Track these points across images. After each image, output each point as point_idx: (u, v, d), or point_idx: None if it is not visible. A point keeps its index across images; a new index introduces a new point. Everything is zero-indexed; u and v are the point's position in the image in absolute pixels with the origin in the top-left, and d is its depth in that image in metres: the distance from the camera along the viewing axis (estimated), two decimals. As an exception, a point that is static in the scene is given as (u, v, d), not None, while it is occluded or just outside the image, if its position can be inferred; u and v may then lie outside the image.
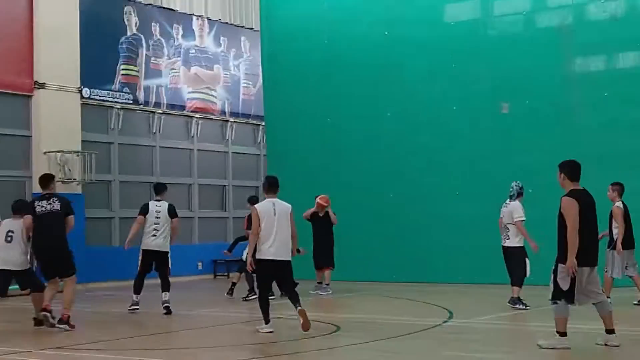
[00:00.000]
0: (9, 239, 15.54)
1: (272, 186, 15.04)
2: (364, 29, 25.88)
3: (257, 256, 14.28)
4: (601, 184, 19.94)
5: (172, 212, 18.07)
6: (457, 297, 20.25)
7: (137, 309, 17.77)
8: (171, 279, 19.20)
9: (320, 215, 21.82)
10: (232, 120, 31.20)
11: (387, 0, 25.72)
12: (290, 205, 14.93)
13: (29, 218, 15.35)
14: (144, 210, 18.19)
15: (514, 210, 17.35)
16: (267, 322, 14.15)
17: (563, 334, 11.46)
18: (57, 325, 14.86)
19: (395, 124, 25.25)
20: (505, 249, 17.72)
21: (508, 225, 17.55)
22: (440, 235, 24.02)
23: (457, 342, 13.02)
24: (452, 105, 24.29)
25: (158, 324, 17.03)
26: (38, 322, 15.43)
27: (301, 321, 13.74)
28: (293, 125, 27.16)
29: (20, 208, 16.06)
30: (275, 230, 14.22)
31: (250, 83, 31.96)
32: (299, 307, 14.03)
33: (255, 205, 14.96)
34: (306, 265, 21.86)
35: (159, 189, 18.91)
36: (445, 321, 15.55)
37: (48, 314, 14.99)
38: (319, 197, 21.88)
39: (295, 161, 26.72)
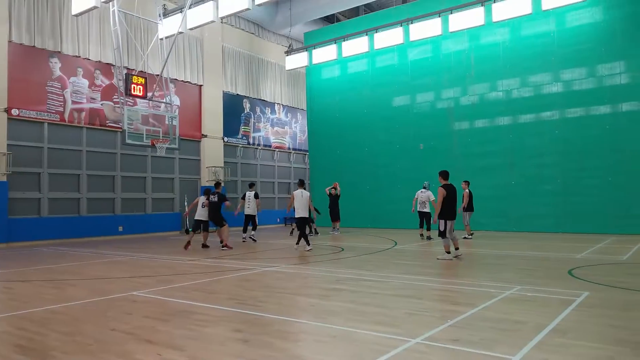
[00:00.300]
0: (203, 206, 15.85)
1: (300, 184, 15.23)
2: (354, 109, 25.89)
3: (296, 215, 14.69)
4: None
5: (256, 196, 17.92)
6: (399, 235, 19.96)
7: (245, 240, 18.07)
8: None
9: (332, 193, 21.31)
10: (293, 152, 31.41)
11: (366, 96, 25.48)
12: (308, 193, 15.18)
13: (206, 201, 15.77)
14: (243, 196, 18.12)
15: (429, 195, 17.19)
16: (307, 243, 14.45)
17: (448, 252, 12.11)
18: (221, 248, 15.36)
19: (369, 153, 25.32)
20: (425, 213, 17.54)
21: (426, 202, 17.34)
22: (394, 204, 24.17)
23: (400, 256, 13.10)
24: (396, 145, 24.34)
25: (250, 246, 17.61)
26: (204, 245, 15.88)
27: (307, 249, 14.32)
28: (320, 154, 27.43)
29: (205, 192, 16.10)
30: (300, 204, 14.63)
31: (302, 134, 31.96)
32: (308, 246, 14.46)
33: (293, 192, 14.89)
34: (327, 220, 22.68)
35: (251, 185, 18.65)
36: (393, 246, 15.60)
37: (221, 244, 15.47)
38: (334, 184, 21.62)
39: (321, 171, 27.09)
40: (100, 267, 11.79)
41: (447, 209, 12.00)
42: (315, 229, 20.70)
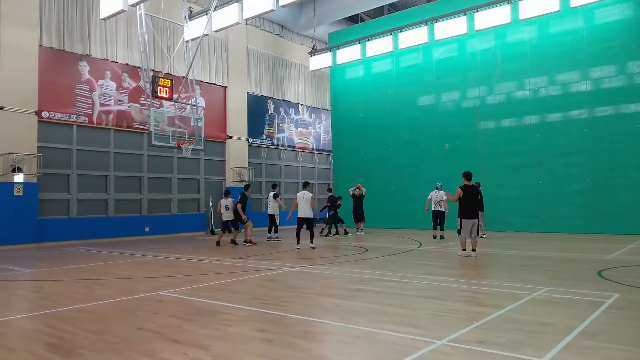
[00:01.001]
0: (226, 209, 17.05)
1: (304, 185, 15.62)
2: (379, 109, 25.92)
3: (298, 215, 15.27)
4: (492, 182, 20.80)
5: (275, 196, 18.69)
6: (423, 236, 19.89)
7: (269, 238, 18.84)
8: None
9: (356, 194, 21.30)
10: (317, 152, 31.58)
11: (390, 96, 25.50)
12: (311, 194, 15.18)
13: (234, 202, 16.97)
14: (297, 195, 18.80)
15: (443, 194, 17.57)
16: (298, 242, 15.55)
17: (464, 249, 12.69)
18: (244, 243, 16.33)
19: (393, 153, 25.30)
20: (439, 212, 17.90)
21: (441, 201, 17.74)
22: (418, 205, 23.72)
23: (424, 257, 13.21)
24: (420, 145, 24.26)
25: (275, 245, 17.93)
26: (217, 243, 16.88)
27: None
28: (345, 154, 27.46)
29: (225, 193, 17.48)
30: (304, 204, 15.09)
31: (326, 135, 32.12)
32: (311, 243, 15.15)
33: (297, 194, 15.33)
34: (350, 220, 22.42)
35: (274, 185, 19.59)
36: (418, 247, 15.59)
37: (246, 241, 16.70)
38: (356, 185, 21.64)
39: (346, 171, 27.10)
40: (127, 267, 11.97)
41: (464, 209, 12.31)
42: (345, 230, 21.17)
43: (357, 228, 21.55)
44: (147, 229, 21.70)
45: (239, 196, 17.30)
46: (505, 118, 22.35)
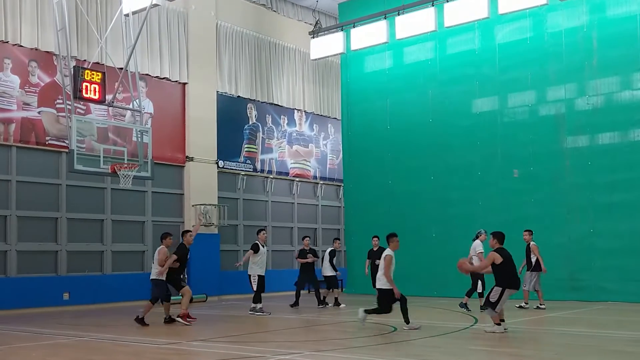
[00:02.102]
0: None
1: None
2: (414, 118, 26.35)
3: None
4: (583, 228, 21.05)
5: (255, 247, 18.99)
6: (478, 307, 18.80)
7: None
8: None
9: (375, 249, 21.25)
10: (321, 182, 31.81)
11: (431, 97, 25.95)
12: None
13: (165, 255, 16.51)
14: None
15: (476, 245, 18.69)
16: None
17: (499, 324, 13.70)
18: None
19: (436, 184, 25.66)
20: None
21: (473, 256, 18.42)
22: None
23: (482, 338, 13.36)
24: (477, 172, 24.66)
25: (258, 321, 18.45)
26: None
27: None
28: (363, 186, 27.81)
29: (163, 237, 16.97)
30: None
31: (334, 156, 32.51)
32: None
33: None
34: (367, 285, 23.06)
35: (259, 231, 19.95)
36: (472, 324, 15.65)
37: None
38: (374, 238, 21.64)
39: (364, 211, 27.43)
40: (36, 355, 11.94)
41: (508, 275, 13.90)
42: (324, 298, 21.77)
43: None
44: (66, 295, 21.71)
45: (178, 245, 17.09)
46: (604, 132, 22.59)
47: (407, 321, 14.72)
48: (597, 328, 14.69)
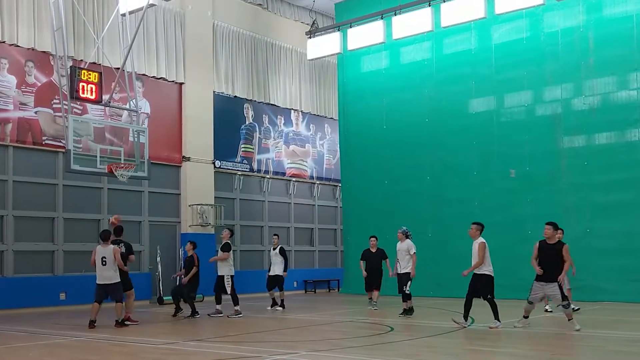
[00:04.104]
0: (103, 263, 15.71)
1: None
2: (411, 118, 26.35)
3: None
4: (580, 228, 21.07)
5: (226, 247, 18.53)
6: (475, 308, 20.37)
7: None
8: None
9: (372, 250, 20.58)
10: (317, 182, 31.88)
11: (427, 97, 25.96)
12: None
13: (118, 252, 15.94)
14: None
15: (410, 246, 17.90)
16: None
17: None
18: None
19: (432, 184, 25.71)
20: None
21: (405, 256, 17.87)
22: (463, 263, 24.34)
23: (478, 339, 13.25)
24: (473, 171, 24.66)
25: (255, 322, 18.31)
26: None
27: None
28: (361, 186, 27.83)
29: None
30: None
31: (331, 156, 32.59)
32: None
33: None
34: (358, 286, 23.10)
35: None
36: (469, 325, 15.36)
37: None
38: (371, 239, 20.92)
39: (361, 211, 27.45)
40: (32, 355, 11.97)
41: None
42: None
43: (371, 299, 20.72)
44: (62, 295, 21.73)
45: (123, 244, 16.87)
46: (600, 132, 22.66)
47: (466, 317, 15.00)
48: (594, 328, 14.69)
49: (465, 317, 14.95)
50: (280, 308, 20.29)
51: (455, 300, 22.39)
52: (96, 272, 15.91)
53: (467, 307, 14.99)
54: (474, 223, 15.14)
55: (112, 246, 15.95)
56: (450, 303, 21.74)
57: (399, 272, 17.98)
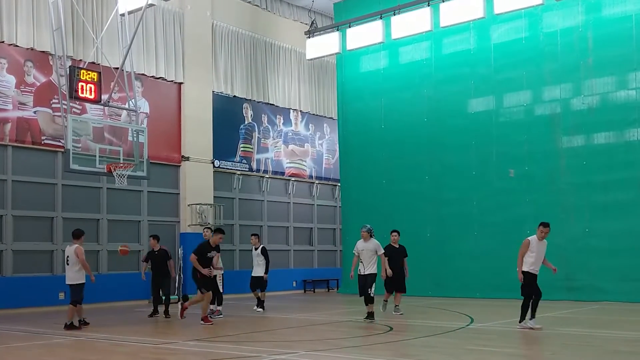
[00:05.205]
0: (67, 262, 15.45)
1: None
2: (410, 117, 26.39)
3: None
4: (579, 228, 21.09)
5: (218, 249, 17.79)
6: (473, 307, 19.90)
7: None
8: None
9: (394, 245, 18.63)
10: (317, 182, 31.85)
11: (426, 97, 25.99)
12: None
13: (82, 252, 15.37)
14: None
15: (377, 246, 16.57)
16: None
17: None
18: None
19: (431, 184, 25.73)
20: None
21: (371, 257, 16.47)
22: (462, 263, 24.34)
23: (478, 339, 13.20)
24: (472, 171, 24.69)
25: (255, 321, 18.30)
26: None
27: None
28: (359, 185, 27.87)
29: (75, 234, 15.88)
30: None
31: (330, 156, 32.56)
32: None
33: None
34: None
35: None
36: (468, 324, 15.56)
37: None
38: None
39: (360, 211, 27.33)
40: (32, 355, 11.99)
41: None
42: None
43: (386, 301, 19.09)
44: (62, 295, 21.67)
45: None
46: (599, 132, 22.69)
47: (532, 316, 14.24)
48: (592, 328, 14.71)
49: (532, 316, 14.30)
50: (260, 309, 19.91)
51: (455, 300, 22.60)
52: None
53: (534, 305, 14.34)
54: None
55: (75, 245, 15.51)
56: (449, 303, 21.84)
57: (362, 273, 16.43)
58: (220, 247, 17.51)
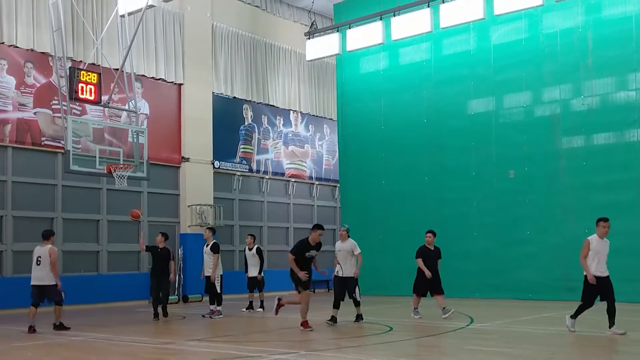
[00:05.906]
0: (37, 263, 15.27)
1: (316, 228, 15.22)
2: (410, 118, 26.32)
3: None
4: (579, 228, 21.10)
5: (215, 248, 18.70)
6: (473, 307, 19.97)
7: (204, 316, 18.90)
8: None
9: (429, 246, 18.02)
10: (316, 183, 31.98)
11: (426, 98, 25.95)
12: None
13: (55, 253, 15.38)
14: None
15: (354, 246, 16.46)
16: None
17: None
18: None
19: (430, 185, 25.64)
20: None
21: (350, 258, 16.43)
22: (462, 263, 23.98)
23: (478, 339, 13.24)
24: (471, 172, 24.61)
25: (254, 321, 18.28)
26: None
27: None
28: (359, 186, 27.73)
29: (45, 235, 15.71)
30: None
31: (330, 157, 32.67)
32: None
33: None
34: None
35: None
36: (468, 324, 15.63)
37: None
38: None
39: (360, 212, 27.29)
40: (31, 355, 11.99)
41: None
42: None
43: (416, 308, 18.23)
44: (62, 295, 21.68)
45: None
46: (599, 132, 22.63)
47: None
48: (592, 328, 14.68)
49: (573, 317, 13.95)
50: (260, 310, 20.08)
51: (454, 300, 22.47)
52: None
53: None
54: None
55: (49, 246, 15.39)
56: (449, 303, 21.59)
57: (341, 275, 16.31)
58: (321, 245, 15.75)
